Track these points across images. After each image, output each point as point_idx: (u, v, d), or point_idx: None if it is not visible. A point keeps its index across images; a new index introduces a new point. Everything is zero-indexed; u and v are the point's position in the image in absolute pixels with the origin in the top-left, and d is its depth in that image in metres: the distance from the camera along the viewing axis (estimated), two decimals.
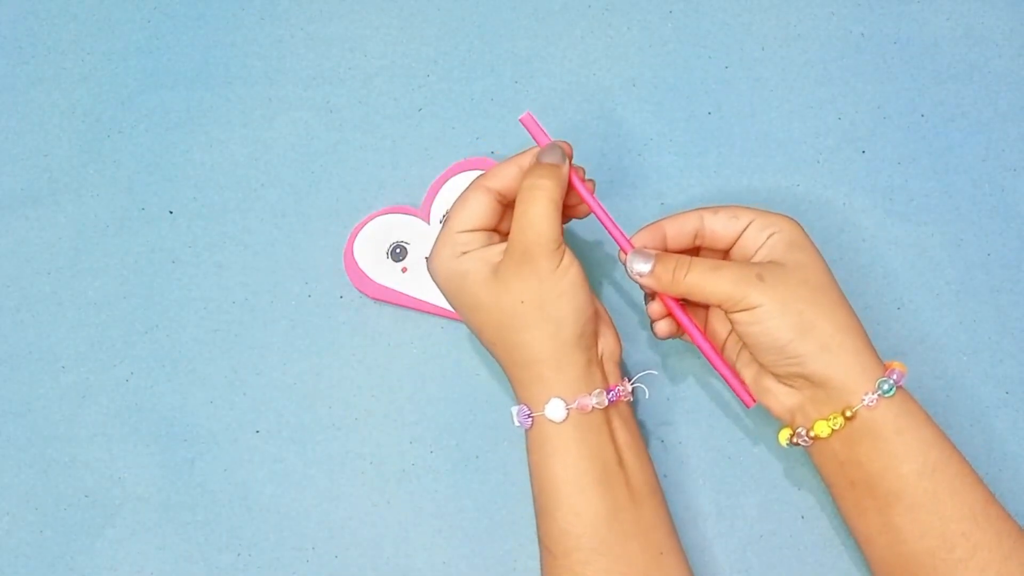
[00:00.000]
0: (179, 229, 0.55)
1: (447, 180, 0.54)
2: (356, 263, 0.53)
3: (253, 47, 0.58)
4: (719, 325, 0.47)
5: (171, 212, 0.56)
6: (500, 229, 0.47)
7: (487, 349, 0.46)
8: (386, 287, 0.53)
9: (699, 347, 0.46)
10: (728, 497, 0.50)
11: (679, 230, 0.46)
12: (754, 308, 0.42)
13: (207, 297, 0.54)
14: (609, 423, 0.44)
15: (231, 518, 0.51)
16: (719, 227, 0.45)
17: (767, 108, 0.55)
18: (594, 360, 0.45)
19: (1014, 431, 0.50)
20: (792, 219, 0.45)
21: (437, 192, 0.53)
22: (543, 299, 0.42)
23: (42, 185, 0.57)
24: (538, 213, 0.42)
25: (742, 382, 0.46)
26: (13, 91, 0.58)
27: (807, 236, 0.45)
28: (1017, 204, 0.53)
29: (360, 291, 0.53)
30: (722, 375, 0.46)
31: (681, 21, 0.57)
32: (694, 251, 0.47)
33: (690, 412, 0.51)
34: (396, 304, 0.53)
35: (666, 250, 0.46)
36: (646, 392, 0.49)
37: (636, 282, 0.45)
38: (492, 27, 0.57)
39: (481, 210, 0.45)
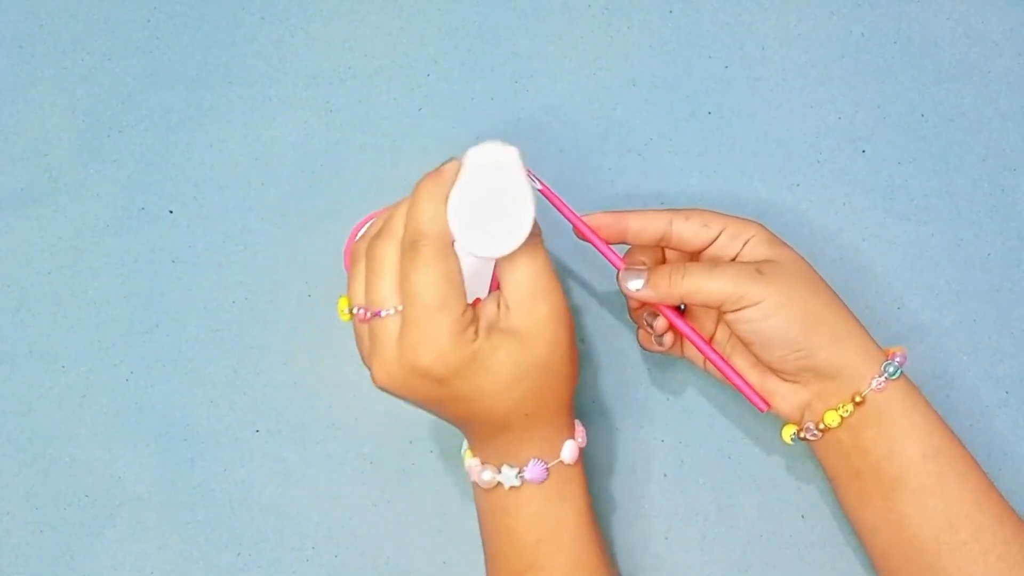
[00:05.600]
0: (179, 229, 0.55)
1: None
2: None
3: (253, 47, 0.58)
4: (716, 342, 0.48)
5: (171, 212, 0.56)
6: None
7: (493, 428, 0.42)
8: None
9: (706, 356, 0.45)
10: (728, 497, 0.50)
11: (643, 228, 0.45)
12: (758, 303, 0.41)
13: (207, 297, 0.54)
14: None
15: (231, 518, 0.51)
16: (688, 234, 0.45)
17: (767, 108, 0.55)
18: None
19: (1014, 431, 0.50)
20: (760, 223, 0.45)
21: None
22: (569, 342, 0.42)
23: (42, 185, 0.57)
24: (544, 257, 0.41)
25: (752, 387, 0.45)
26: (13, 91, 0.58)
27: (779, 237, 0.45)
28: (1017, 204, 0.53)
29: None
30: (732, 382, 0.45)
31: (681, 21, 0.57)
32: (658, 252, 0.47)
33: (690, 412, 0.51)
34: None
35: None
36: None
37: (632, 297, 0.45)
38: (492, 27, 0.57)
39: (459, 273, 0.40)
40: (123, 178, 0.56)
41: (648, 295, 0.44)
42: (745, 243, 0.44)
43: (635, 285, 0.44)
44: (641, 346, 0.49)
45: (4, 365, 0.54)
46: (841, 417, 0.42)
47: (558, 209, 0.45)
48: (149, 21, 0.59)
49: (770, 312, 0.42)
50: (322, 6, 0.58)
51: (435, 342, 0.39)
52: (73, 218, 0.56)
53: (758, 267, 0.42)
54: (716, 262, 0.44)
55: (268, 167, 0.56)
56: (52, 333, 0.54)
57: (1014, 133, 0.54)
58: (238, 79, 0.57)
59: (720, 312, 0.43)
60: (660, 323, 0.46)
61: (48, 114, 0.58)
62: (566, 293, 0.53)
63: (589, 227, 0.45)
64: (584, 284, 0.53)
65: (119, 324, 0.54)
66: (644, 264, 0.45)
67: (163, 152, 0.57)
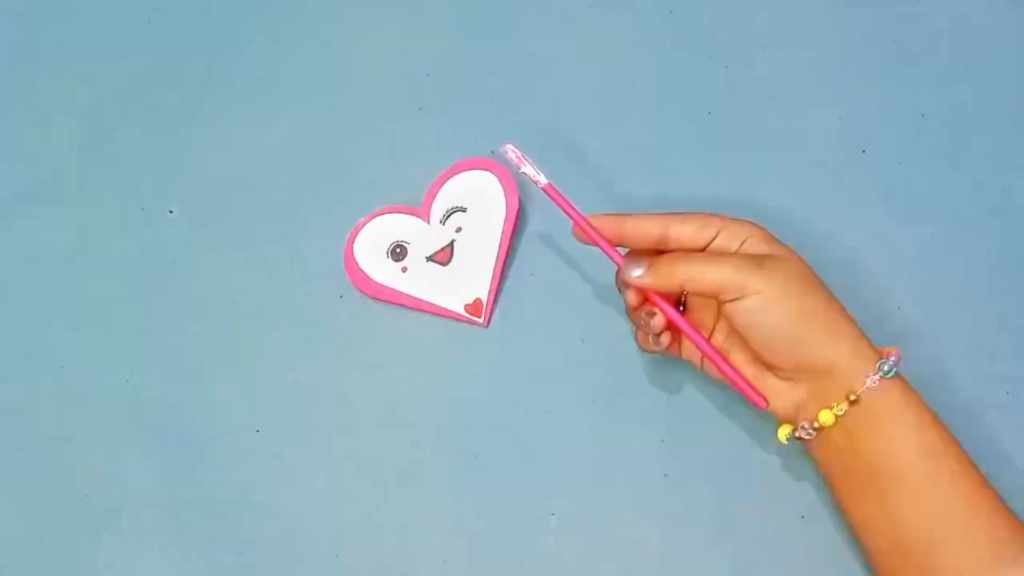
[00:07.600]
0: (179, 229, 0.55)
1: (447, 180, 0.54)
2: (356, 263, 0.53)
3: (253, 47, 0.58)
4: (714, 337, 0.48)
5: (171, 212, 0.56)
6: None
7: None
8: (386, 287, 0.53)
9: (703, 352, 0.45)
10: (728, 497, 0.50)
11: (639, 230, 0.45)
12: (757, 294, 0.42)
13: (207, 297, 0.54)
14: None
15: (231, 518, 0.51)
16: (685, 236, 0.45)
17: (767, 108, 0.55)
18: None
19: (1014, 431, 0.50)
20: (757, 223, 0.45)
21: (437, 192, 0.53)
22: None
23: (42, 185, 0.57)
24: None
25: (750, 383, 0.45)
26: (13, 91, 0.58)
27: (776, 237, 0.45)
28: (1017, 204, 0.53)
29: (360, 291, 0.53)
30: (729, 378, 0.45)
31: (681, 21, 0.57)
32: (655, 255, 0.47)
33: (690, 412, 0.51)
34: (396, 304, 0.53)
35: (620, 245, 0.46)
36: None
37: (633, 286, 0.45)
38: (492, 27, 0.57)
39: None
40: (123, 178, 0.56)
41: (649, 282, 0.44)
42: (742, 243, 0.44)
43: (636, 272, 0.44)
44: (639, 347, 0.49)
45: (4, 365, 0.54)
46: (835, 416, 0.42)
47: (561, 207, 0.46)
48: (149, 21, 0.59)
49: (769, 303, 0.42)
50: (322, 6, 0.58)
51: None
52: (73, 218, 0.56)
53: (758, 260, 0.43)
54: (715, 253, 0.44)
55: (268, 167, 0.56)
56: (52, 333, 0.54)
57: (1014, 133, 0.54)
58: (238, 79, 0.57)
59: (719, 302, 0.43)
60: (658, 322, 0.46)
61: (48, 114, 0.58)
62: (566, 293, 0.53)
63: (592, 225, 0.45)
64: (584, 284, 0.53)
65: (119, 324, 0.54)
66: (643, 258, 0.45)
67: (163, 152, 0.57)
